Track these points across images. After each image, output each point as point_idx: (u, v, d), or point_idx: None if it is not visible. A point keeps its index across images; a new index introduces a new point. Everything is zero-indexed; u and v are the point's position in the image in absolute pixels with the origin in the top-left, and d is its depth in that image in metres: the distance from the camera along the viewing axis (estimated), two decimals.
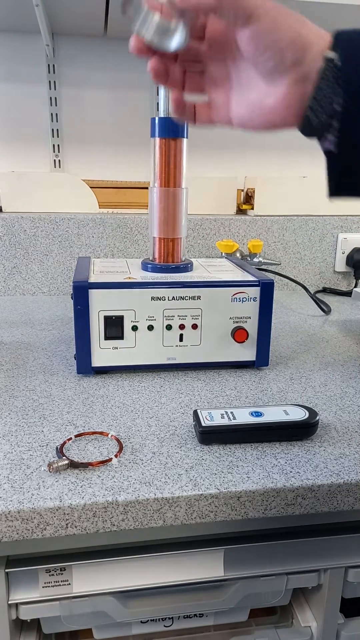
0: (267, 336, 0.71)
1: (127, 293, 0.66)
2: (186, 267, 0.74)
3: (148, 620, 0.57)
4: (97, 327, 0.67)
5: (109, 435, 0.54)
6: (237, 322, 0.70)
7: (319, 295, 1.16)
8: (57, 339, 0.84)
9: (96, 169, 1.16)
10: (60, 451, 0.50)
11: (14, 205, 1.10)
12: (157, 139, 0.69)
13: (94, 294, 0.65)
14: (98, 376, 0.69)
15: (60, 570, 0.51)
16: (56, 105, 1.10)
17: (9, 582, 0.50)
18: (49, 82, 1.09)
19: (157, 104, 1.13)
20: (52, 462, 0.47)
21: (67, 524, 0.44)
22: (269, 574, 0.54)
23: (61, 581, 0.51)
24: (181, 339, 0.69)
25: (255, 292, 0.69)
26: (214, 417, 0.54)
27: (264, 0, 0.34)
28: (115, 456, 0.50)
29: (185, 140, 0.70)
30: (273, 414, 0.54)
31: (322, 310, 1.03)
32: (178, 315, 0.68)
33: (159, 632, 0.59)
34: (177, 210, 0.72)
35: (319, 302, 1.04)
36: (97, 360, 0.68)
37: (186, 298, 0.68)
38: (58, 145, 1.12)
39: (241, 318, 0.70)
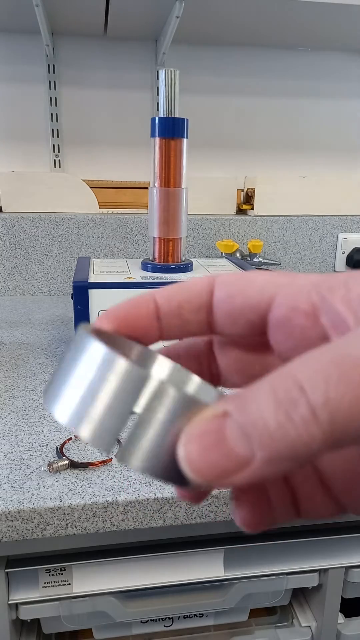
0: None
1: (127, 293, 0.66)
2: (186, 267, 0.74)
3: (148, 620, 0.57)
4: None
5: None
6: None
7: None
8: (57, 339, 0.84)
9: (96, 169, 1.16)
10: (60, 451, 0.50)
11: (14, 205, 1.10)
12: (157, 139, 0.69)
13: (93, 294, 0.65)
14: None
15: (60, 570, 0.51)
16: (56, 105, 1.10)
17: (9, 582, 0.50)
18: (49, 82, 1.09)
19: (157, 104, 1.13)
20: (52, 462, 0.47)
21: (67, 524, 0.44)
22: (269, 574, 0.54)
23: (61, 581, 0.51)
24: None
25: None
26: None
27: None
28: (115, 456, 0.50)
29: (185, 140, 0.70)
30: None
31: None
32: None
33: (159, 632, 0.59)
34: (177, 210, 0.72)
35: None
36: None
37: None
38: (58, 145, 1.12)
39: None
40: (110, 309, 0.19)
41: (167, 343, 0.21)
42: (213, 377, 0.22)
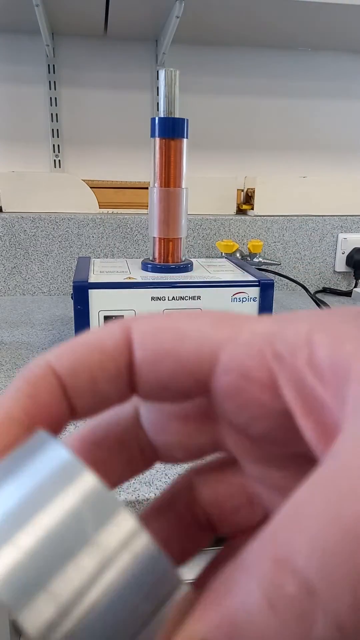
0: None
1: (127, 293, 0.66)
2: (186, 267, 0.74)
3: None
4: (97, 327, 0.67)
5: None
6: None
7: (319, 296, 1.16)
8: (57, 339, 0.84)
9: (96, 169, 1.16)
10: None
11: (14, 205, 1.10)
12: (157, 139, 0.69)
13: (94, 294, 0.65)
14: None
15: None
16: (56, 105, 1.10)
17: None
18: (49, 82, 1.09)
19: (157, 104, 1.13)
20: None
21: None
22: None
23: None
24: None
25: (255, 292, 0.70)
26: None
27: None
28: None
29: (185, 140, 0.70)
30: None
31: None
32: None
33: None
34: (177, 210, 0.72)
35: (319, 302, 1.04)
36: None
37: (186, 298, 0.68)
38: (58, 146, 1.12)
39: None
40: None
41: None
42: (146, 458, 0.16)
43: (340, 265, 1.21)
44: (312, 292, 1.08)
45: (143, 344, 0.13)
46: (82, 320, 0.66)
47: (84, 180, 1.11)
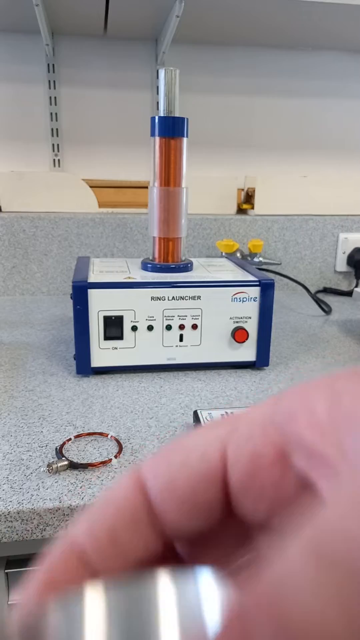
0: (268, 336, 0.71)
1: (126, 293, 0.66)
2: (186, 267, 0.74)
3: None
4: (96, 327, 0.66)
5: (109, 436, 0.54)
6: (237, 322, 0.70)
7: (319, 295, 1.16)
8: (56, 339, 0.84)
9: (96, 169, 1.16)
10: (59, 452, 0.50)
11: (14, 205, 1.10)
12: (157, 138, 0.69)
13: (93, 294, 0.65)
14: (97, 376, 0.69)
15: None
16: (56, 104, 1.10)
17: (9, 583, 0.50)
18: (49, 81, 1.08)
19: (157, 103, 1.13)
20: (52, 462, 0.47)
21: (66, 525, 0.44)
22: None
23: None
24: (181, 339, 0.69)
25: (255, 292, 0.69)
26: (214, 418, 0.53)
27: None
28: (115, 457, 0.49)
29: (185, 139, 0.69)
30: None
31: (323, 310, 1.03)
32: (178, 315, 0.68)
33: None
34: (177, 209, 0.72)
35: (319, 302, 1.03)
36: (97, 361, 0.68)
37: (186, 298, 0.68)
38: (58, 145, 1.12)
39: (241, 318, 0.70)
40: (31, 579, 0.13)
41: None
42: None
43: (341, 265, 1.21)
44: (312, 292, 1.08)
45: (152, 474, 0.14)
46: (81, 320, 0.66)
47: (83, 180, 1.11)
